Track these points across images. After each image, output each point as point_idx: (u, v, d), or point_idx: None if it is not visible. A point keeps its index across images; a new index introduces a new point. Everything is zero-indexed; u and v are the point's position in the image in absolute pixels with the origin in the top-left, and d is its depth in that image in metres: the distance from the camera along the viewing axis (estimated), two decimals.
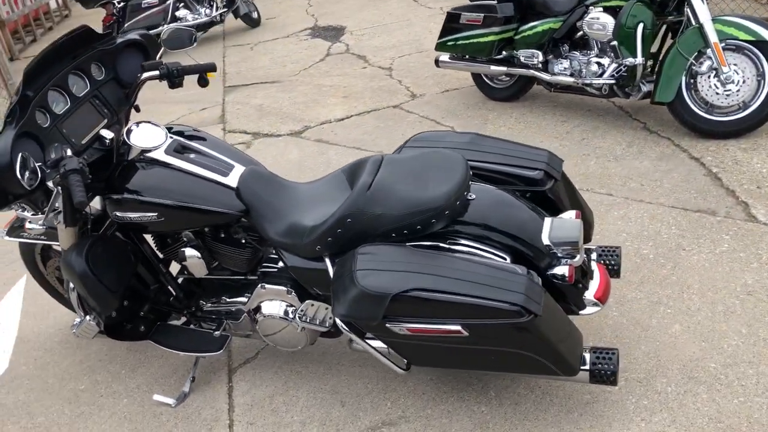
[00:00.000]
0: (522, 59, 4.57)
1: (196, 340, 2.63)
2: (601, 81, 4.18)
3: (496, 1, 4.60)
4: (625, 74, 4.07)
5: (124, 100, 2.56)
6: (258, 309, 2.51)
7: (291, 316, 2.45)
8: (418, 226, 2.12)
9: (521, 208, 2.25)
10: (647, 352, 2.52)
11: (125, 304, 2.64)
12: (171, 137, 2.45)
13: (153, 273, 2.67)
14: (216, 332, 2.61)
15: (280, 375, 2.72)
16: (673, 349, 2.51)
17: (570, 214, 2.31)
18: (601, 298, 2.27)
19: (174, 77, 2.54)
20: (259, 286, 2.49)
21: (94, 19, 8.34)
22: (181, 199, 2.33)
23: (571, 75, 4.36)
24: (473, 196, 2.22)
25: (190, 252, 2.52)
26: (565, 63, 4.39)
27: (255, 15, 8.67)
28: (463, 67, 4.93)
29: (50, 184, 2.20)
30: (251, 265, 2.53)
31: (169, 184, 2.34)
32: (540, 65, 4.50)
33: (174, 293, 2.68)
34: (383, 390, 2.56)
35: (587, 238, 2.48)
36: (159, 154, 2.38)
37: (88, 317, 2.49)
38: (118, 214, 2.40)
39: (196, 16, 8.12)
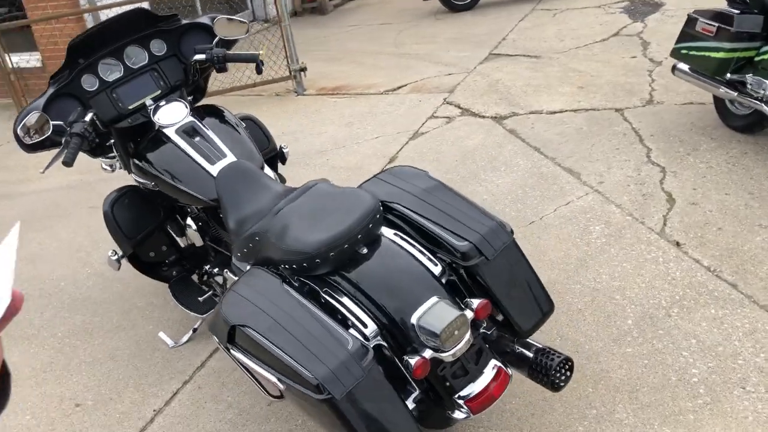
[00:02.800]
0: (749, 87, 3.60)
1: (191, 298, 2.93)
2: None
3: (737, 11, 3.64)
4: None
5: (183, 77, 2.83)
6: None
7: None
8: (294, 266, 2.04)
9: (410, 278, 1.97)
10: None
11: (163, 248, 3.04)
12: (189, 118, 2.63)
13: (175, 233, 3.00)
14: (200, 297, 2.86)
15: None
16: None
17: (475, 302, 1.95)
18: (473, 407, 1.91)
19: (216, 63, 2.73)
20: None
21: None
22: (171, 176, 2.55)
23: None
24: (365, 251, 2.02)
25: (189, 221, 2.78)
26: None
27: None
28: (695, 81, 4.06)
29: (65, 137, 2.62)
30: None
31: (166, 160, 2.58)
32: None
33: (181, 254, 2.99)
34: None
35: (523, 334, 2.05)
36: (170, 131, 2.61)
37: (109, 253, 2.95)
38: (133, 175, 2.76)
39: None
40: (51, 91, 2.58)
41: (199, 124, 2.62)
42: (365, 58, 6.90)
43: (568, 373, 2.05)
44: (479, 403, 1.91)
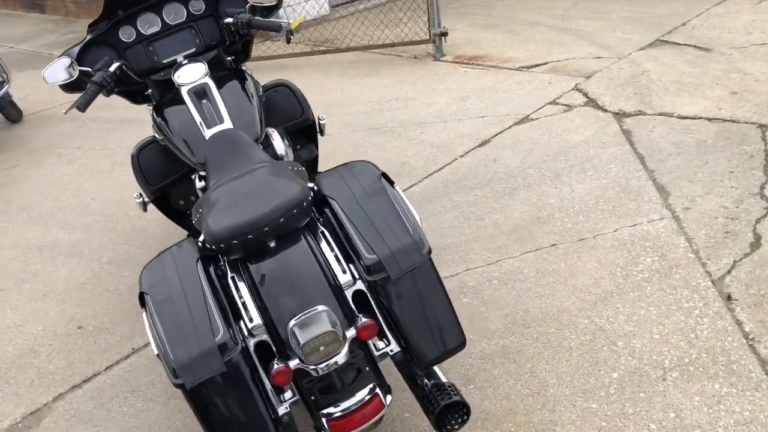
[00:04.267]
0: None
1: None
2: None
3: None
4: None
5: (220, 38, 2.90)
6: None
7: None
8: (206, 245, 2.03)
9: (307, 281, 1.90)
10: None
11: (192, 199, 3.18)
12: (203, 80, 2.68)
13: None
14: None
15: None
16: None
17: (363, 321, 1.84)
18: (333, 427, 1.83)
19: (241, 28, 2.76)
20: None
21: None
22: (172, 133, 2.67)
23: None
24: (273, 244, 1.97)
25: (195, 179, 2.88)
26: None
27: None
28: None
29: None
30: None
31: (172, 117, 2.69)
32: None
33: None
34: None
35: (421, 364, 1.90)
36: (183, 90, 2.65)
37: (134, 195, 3.14)
38: (153, 129, 2.91)
39: None
40: (88, 38, 2.78)
41: (212, 86, 2.66)
42: (522, 29, 6.52)
43: (459, 420, 1.88)
44: (339, 425, 1.82)
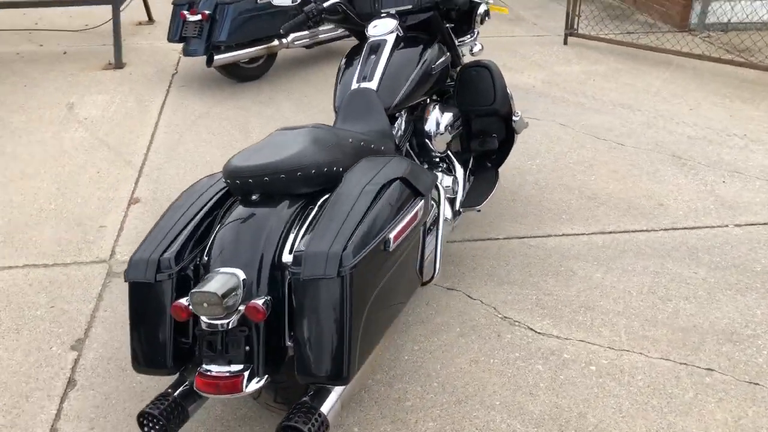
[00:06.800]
0: None
1: None
2: None
3: None
4: None
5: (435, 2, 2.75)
6: None
7: None
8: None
9: (248, 244, 1.86)
10: None
11: None
12: (382, 37, 2.63)
13: None
14: None
15: None
16: None
17: (253, 302, 1.75)
18: (196, 382, 1.81)
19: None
20: None
21: None
22: (339, 78, 2.65)
23: None
24: (254, 197, 1.96)
25: None
26: None
27: None
28: None
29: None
30: None
31: (347, 64, 2.68)
32: None
33: None
34: None
35: (300, 378, 1.74)
36: (367, 41, 2.69)
37: None
38: None
39: None
40: None
41: (387, 45, 2.61)
42: None
43: None
44: (201, 383, 1.79)
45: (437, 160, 2.81)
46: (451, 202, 2.81)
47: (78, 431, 2.15)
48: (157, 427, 1.82)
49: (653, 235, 3.15)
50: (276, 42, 5.02)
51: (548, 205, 3.40)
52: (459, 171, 2.87)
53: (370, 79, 2.52)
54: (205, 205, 2.01)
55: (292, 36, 5.09)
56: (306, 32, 5.15)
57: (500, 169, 3.06)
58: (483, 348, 2.46)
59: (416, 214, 1.97)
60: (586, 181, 3.62)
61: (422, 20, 2.79)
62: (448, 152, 2.88)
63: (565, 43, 6.13)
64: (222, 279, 1.76)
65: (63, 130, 4.33)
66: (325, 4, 2.72)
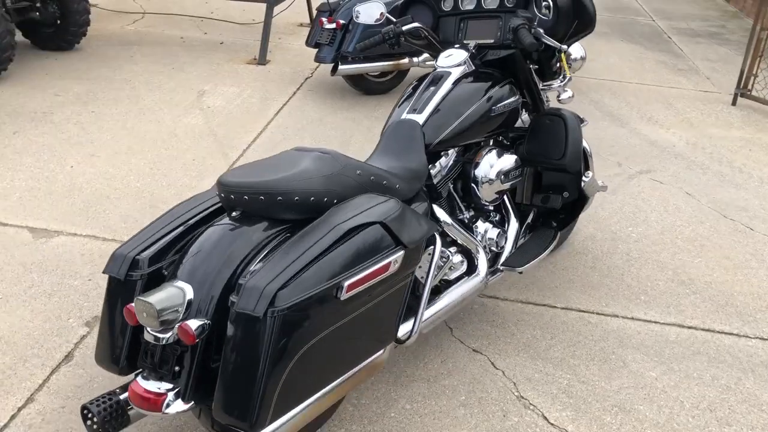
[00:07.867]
0: None
1: None
2: None
3: None
4: None
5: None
6: None
7: None
8: None
9: (215, 260, 1.78)
10: None
11: None
12: (447, 70, 2.47)
13: None
14: None
15: None
16: None
17: (184, 323, 1.66)
18: (129, 389, 1.76)
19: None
20: None
21: None
22: (398, 103, 2.53)
23: None
24: (234, 214, 1.87)
25: None
26: None
27: None
28: None
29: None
30: None
31: (409, 92, 2.54)
32: None
33: None
34: None
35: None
36: (432, 72, 2.53)
37: None
38: None
39: None
40: None
41: (449, 79, 2.44)
42: None
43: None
44: (131, 392, 1.74)
45: (490, 208, 2.55)
46: (495, 257, 2.55)
47: (51, 405, 2.18)
48: (95, 426, 1.79)
49: (743, 341, 2.66)
50: (405, 60, 4.94)
51: (629, 281, 2.99)
52: (512, 225, 2.60)
53: (420, 112, 2.37)
54: (198, 214, 1.98)
55: (424, 55, 4.97)
56: None
57: (577, 233, 2.73)
58: (479, 426, 2.18)
59: (388, 265, 1.77)
60: (687, 263, 3.15)
61: (502, 57, 2.58)
62: (506, 201, 2.62)
63: (734, 103, 5.47)
64: (168, 292, 1.72)
65: (184, 114, 4.55)
66: (404, 27, 2.59)
